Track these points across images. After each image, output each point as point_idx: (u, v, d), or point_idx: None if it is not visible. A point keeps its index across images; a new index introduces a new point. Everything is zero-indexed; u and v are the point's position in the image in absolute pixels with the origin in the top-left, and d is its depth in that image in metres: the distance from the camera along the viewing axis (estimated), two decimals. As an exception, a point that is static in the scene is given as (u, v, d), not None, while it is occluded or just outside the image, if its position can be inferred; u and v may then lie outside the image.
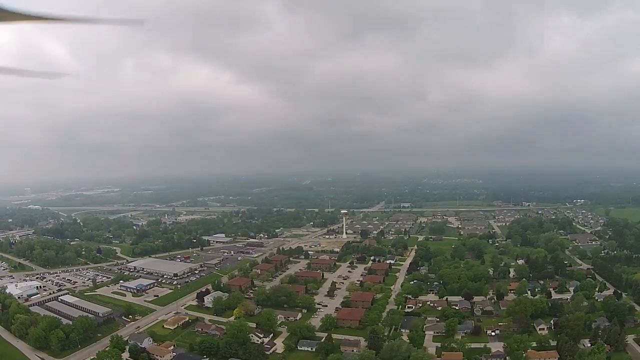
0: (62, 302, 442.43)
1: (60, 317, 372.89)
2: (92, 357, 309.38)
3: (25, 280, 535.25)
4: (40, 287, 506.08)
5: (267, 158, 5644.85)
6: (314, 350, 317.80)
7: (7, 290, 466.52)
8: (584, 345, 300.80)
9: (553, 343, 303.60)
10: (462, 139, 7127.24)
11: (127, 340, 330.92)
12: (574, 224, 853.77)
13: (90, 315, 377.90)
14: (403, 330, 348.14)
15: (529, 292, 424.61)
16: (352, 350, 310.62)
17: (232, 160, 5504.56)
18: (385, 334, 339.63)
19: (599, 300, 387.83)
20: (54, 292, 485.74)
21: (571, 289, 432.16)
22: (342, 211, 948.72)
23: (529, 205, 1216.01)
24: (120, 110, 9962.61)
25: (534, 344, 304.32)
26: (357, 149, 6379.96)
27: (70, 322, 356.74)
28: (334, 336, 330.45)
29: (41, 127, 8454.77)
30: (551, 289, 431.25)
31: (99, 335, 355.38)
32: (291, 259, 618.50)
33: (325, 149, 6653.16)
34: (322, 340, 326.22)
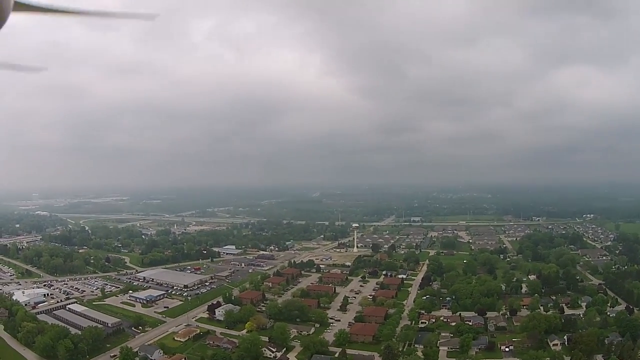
0: (70, 311, 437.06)
1: (68, 327, 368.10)
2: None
3: (33, 288, 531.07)
4: (47, 294, 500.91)
5: (292, 169, 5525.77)
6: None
7: (14, 297, 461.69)
8: None
9: (567, 358, 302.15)
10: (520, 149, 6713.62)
11: (137, 352, 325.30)
12: (584, 239, 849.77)
13: (99, 326, 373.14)
14: (417, 346, 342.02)
15: (541, 307, 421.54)
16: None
17: (247, 171, 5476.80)
18: (400, 349, 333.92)
19: (611, 315, 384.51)
20: (61, 301, 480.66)
21: (583, 304, 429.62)
22: (353, 225, 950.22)
23: (538, 220, 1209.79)
24: (156, 104, 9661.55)
25: None
26: (397, 161, 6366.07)
27: (79, 332, 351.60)
28: (348, 351, 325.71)
29: (58, 124, 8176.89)
30: (563, 305, 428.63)
31: (107, 345, 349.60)
32: (302, 272, 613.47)
33: (364, 159, 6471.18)
34: (336, 356, 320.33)
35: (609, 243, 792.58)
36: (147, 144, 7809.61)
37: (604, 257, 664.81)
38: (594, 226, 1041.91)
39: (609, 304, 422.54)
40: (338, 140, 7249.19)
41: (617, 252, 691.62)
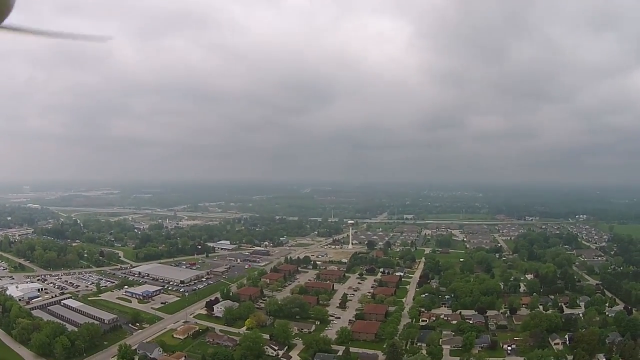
0: (66, 306, 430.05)
1: (64, 323, 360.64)
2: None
3: (26, 282, 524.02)
4: (41, 289, 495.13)
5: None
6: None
7: (8, 292, 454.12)
8: None
9: (569, 357, 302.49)
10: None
11: (136, 349, 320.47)
12: (578, 239, 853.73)
13: (95, 322, 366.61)
14: (420, 344, 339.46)
15: (541, 306, 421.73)
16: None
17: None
18: (403, 348, 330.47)
19: (609, 315, 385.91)
20: (56, 296, 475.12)
21: (582, 304, 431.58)
22: (348, 221, 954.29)
23: (532, 219, 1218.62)
24: (184, 79, 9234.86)
25: (552, 359, 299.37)
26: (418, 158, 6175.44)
27: (76, 329, 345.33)
28: (351, 349, 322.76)
29: (57, 107, 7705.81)
30: (562, 304, 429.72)
31: (105, 343, 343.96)
32: (299, 268, 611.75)
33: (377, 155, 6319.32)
34: (340, 354, 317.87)
35: (604, 244, 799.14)
36: (155, 133, 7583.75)
37: (599, 258, 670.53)
38: (587, 227, 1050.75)
39: (607, 304, 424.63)
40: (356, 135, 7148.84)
41: (613, 253, 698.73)
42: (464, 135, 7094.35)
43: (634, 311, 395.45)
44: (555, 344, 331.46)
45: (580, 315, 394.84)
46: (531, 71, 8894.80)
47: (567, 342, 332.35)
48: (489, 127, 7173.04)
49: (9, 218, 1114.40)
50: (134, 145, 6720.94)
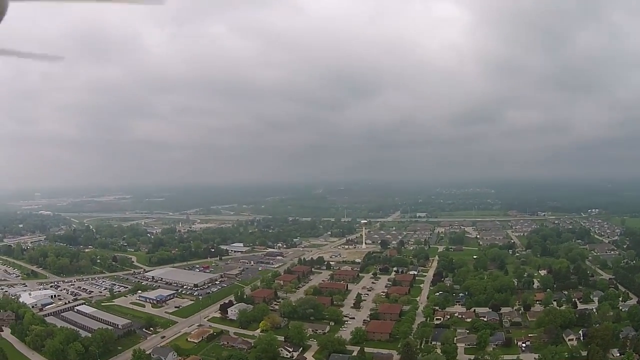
0: (79, 312, 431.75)
1: (77, 329, 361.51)
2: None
3: (39, 289, 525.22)
4: (54, 296, 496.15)
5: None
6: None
7: (21, 299, 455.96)
8: (613, 355, 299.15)
9: (583, 353, 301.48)
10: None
11: (151, 354, 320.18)
12: (591, 234, 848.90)
13: (109, 327, 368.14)
14: (434, 343, 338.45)
15: (554, 302, 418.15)
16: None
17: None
18: (418, 347, 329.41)
19: (623, 310, 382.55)
20: (69, 302, 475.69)
21: (595, 299, 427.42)
22: (361, 221, 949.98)
23: (544, 215, 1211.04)
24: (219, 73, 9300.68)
25: (566, 355, 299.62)
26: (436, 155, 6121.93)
27: (89, 335, 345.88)
28: (365, 349, 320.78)
29: (77, 107, 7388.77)
30: (576, 299, 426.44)
31: (119, 348, 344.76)
32: (313, 269, 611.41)
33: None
34: (355, 354, 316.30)
35: (616, 238, 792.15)
36: (176, 135, 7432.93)
37: (612, 252, 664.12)
38: (599, 221, 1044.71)
39: (620, 299, 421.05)
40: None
41: (625, 246, 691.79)
42: (494, 130, 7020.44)
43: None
44: (569, 340, 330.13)
45: (594, 310, 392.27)
46: (589, 61, 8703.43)
47: (581, 338, 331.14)
48: (522, 122, 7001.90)
49: (21, 225, 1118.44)
50: (151, 148, 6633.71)
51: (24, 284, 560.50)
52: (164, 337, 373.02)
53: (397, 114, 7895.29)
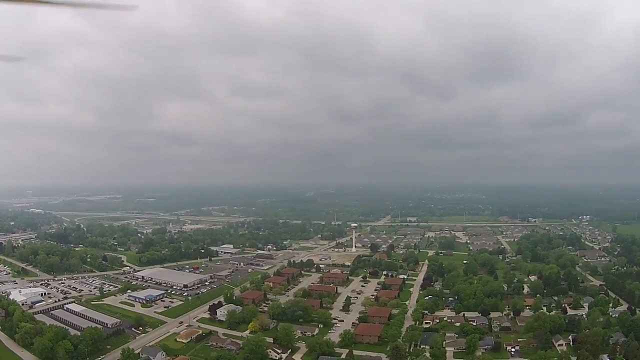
0: (69, 310, 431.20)
1: (67, 327, 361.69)
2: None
3: (29, 287, 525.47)
4: (44, 294, 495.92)
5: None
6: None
7: (11, 297, 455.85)
8: None
9: (573, 359, 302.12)
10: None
11: (139, 353, 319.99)
12: (582, 240, 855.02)
13: (98, 326, 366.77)
14: (423, 347, 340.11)
15: (544, 308, 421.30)
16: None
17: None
18: (407, 350, 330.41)
19: (613, 316, 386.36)
20: (59, 300, 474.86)
21: (585, 305, 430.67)
22: (352, 224, 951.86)
23: (535, 221, 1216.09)
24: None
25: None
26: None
27: (78, 333, 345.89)
28: (354, 352, 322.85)
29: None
30: (566, 305, 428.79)
31: (108, 347, 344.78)
32: (302, 272, 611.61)
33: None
34: (343, 357, 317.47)
35: (607, 244, 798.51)
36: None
37: (603, 258, 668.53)
38: (590, 227, 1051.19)
39: (610, 305, 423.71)
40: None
41: (616, 253, 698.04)
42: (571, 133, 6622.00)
43: (637, 311, 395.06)
44: (559, 345, 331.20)
45: (584, 316, 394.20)
46: None
47: (571, 343, 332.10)
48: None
49: (12, 223, 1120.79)
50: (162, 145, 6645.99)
51: (14, 281, 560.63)
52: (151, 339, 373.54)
53: (479, 113, 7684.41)
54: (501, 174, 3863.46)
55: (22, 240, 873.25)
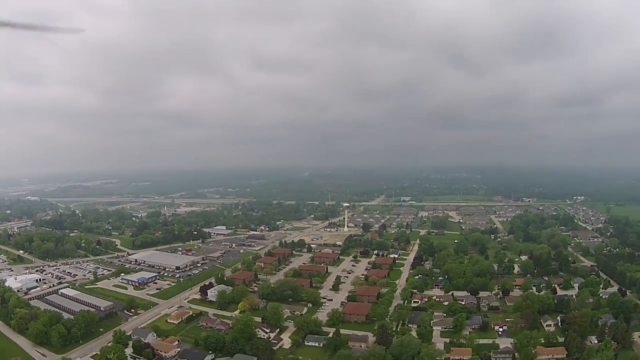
0: (63, 295, 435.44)
1: (61, 312, 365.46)
2: (94, 353, 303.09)
3: (25, 273, 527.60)
4: (39, 280, 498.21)
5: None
6: (321, 345, 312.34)
7: (7, 284, 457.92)
8: (591, 342, 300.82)
9: (560, 339, 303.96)
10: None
11: (131, 335, 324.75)
12: (575, 220, 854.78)
13: (91, 310, 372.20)
14: (410, 325, 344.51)
15: (534, 288, 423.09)
16: (361, 346, 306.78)
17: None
18: (394, 329, 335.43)
19: (603, 297, 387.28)
20: (54, 285, 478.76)
21: (575, 285, 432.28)
22: (343, 204, 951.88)
23: (529, 201, 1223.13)
24: None
25: (543, 340, 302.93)
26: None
27: (72, 317, 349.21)
28: (341, 331, 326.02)
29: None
30: (556, 286, 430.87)
31: (101, 330, 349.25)
32: (294, 252, 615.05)
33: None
34: (330, 336, 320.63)
35: (600, 225, 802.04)
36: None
37: (595, 239, 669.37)
38: (584, 208, 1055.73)
39: (601, 286, 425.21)
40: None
41: (608, 234, 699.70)
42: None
43: (628, 293, 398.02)
44: (547, 325, 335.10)
45: (574, 296, 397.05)
46: None
47: (559, 324, 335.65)
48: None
49: (8, 211, 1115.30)
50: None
51: (10, 268, 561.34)
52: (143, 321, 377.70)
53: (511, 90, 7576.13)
54: (510, 154, 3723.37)
55: (17, 228, 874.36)
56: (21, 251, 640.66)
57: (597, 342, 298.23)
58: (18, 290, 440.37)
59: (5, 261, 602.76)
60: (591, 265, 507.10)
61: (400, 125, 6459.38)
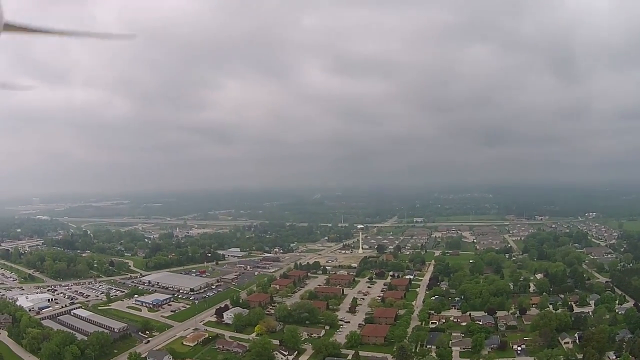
0: (76, 316, 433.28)
1: (74, 332, 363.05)
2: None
3: (36, 293, 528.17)
4: (51, 299, 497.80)
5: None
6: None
7: (18, 303, 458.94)
8: (609, 358, 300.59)
9: (579, 356, 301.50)
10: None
11: (146, 357, 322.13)
12: (588, 237, 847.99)
13: (105, 331, 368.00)
14: (429, 347, 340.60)
15: (550, 306, 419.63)
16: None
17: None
18: (413, 350, 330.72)
19: (620, 313, 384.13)
20: (66, 306, 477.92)
21: (591, 302, 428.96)
22: (358, 226, 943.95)
23: (541, 219, 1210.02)
24: None
25: (562, 358, 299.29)
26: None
27: (85, 338, 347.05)
28: (360, 353, 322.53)
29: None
30: (572, 303, 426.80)
31: (115, 351, 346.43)
32: (309, 274, 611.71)
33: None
34: (350, 358, 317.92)
35: (613, 241, 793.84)
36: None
37: (609, 255, 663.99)
38: (597, 224, 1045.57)
39: (617, 302, 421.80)
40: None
41: (622, 250, 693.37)
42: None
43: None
44: (565, 343, 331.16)
45: (590, 313, 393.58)
46: None
47: (577, 341, 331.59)
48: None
49: (19, 230, 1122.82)
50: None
51: (21, 287, 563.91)
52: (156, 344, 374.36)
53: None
54: (540, 171, 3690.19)
55: (28, 247, 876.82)
56: (32, 270, 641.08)
57: (615, 357, 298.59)
58: (30, 310, 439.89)
59: (17, 280, 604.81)
60: (606, 282, 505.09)
61: (443, 142, 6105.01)
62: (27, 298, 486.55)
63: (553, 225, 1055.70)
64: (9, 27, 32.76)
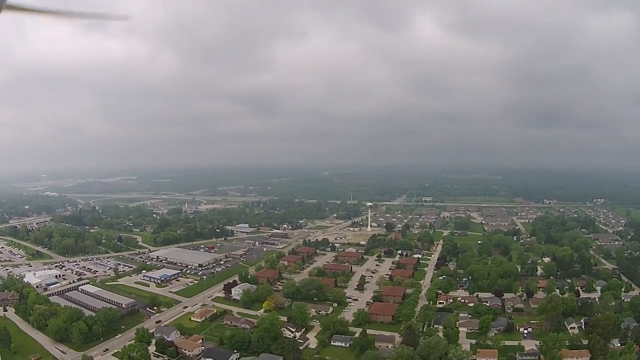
0: (83, 292, 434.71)
1: (81, 308, 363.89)
2: (116, 351, 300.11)
3: (44, 269, 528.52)
4: (59, 276, 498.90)
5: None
6: (348, 345, 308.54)
7: (25, 279, 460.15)
8: (614, 345, 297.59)
9: (584, 342, 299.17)
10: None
11: (153, 333, 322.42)
12: (596, 223, 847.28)
13: (113, 307, 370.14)
14: (436, 326, 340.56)
15: (557, 290, 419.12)
16: (387, 346, 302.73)
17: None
18: (420, 329, 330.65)
19: (625, 300, 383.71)
20: (73, 282, 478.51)
21: (598, 288, 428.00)
22: (367, 204, 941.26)
23: (549, 202, 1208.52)
24: None
25: (567, 343, 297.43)
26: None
27: (93, 314, 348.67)
28: (368, 331, 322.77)
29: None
30: (579, 288, 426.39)
31: (122, 327, 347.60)
32: (317, 251, 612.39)
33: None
34: (357, 336, 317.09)
35: (621, 228, 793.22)
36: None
37: (616, 242, 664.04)
38: (605, 211, 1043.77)
39: (623, 289, 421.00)
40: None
41: (629, 237, 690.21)
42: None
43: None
44: (571, 328, 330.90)
45: (596, 299, 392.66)
46: None
47: (583, 327, 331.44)
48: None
49: (27, 207, 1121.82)
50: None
51: (29, 264, 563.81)
52: (164, 319, 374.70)
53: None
54: (570, 155, 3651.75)
55: (36, 223, 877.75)
56: (40, 247, 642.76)
57: (619, 345, 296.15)
58: (37, 286, 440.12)
59: (24, 257, 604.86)
60: (613, 268, 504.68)
61: (493, 122, 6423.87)
62: (34, 275, 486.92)
63: (561, 210, 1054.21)
64: (9, 7, 33.14)
